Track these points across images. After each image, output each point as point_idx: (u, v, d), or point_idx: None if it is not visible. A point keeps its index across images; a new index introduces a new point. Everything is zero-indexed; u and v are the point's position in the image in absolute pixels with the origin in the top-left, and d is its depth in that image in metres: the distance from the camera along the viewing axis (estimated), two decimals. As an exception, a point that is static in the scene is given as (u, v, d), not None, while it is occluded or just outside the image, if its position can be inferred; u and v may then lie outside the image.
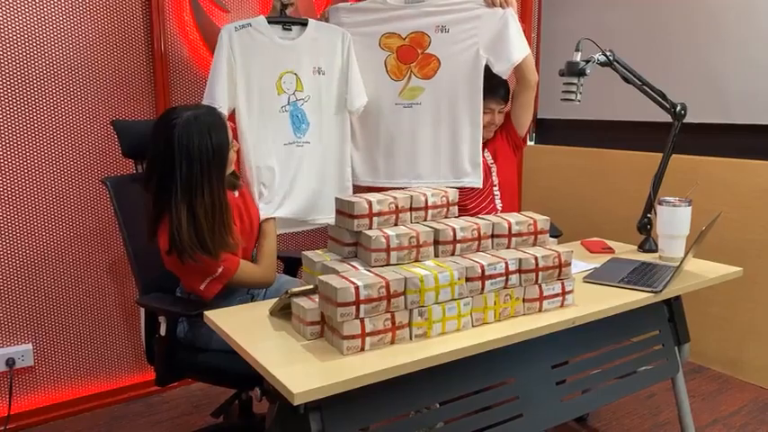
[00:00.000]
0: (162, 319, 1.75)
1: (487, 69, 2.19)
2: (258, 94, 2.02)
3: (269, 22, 2.04)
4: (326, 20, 2.25)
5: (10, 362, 2.24)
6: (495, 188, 2.37)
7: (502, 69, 2.16)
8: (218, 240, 1.64)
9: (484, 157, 2.34)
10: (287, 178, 2.08)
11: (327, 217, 2.16)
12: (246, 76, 2.00)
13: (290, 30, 2.07)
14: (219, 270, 1.69)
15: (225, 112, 1.96)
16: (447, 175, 2.25)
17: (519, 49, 2.14)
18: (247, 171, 2.01)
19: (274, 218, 2.00)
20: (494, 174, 2.37)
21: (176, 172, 1.60)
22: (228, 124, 1.73)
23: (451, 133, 2.22)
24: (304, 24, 2.10)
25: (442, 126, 2.22)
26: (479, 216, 1.61)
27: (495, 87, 2.27)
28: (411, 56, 2.19)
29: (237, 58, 1.99)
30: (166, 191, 1.63)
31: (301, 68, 2.08)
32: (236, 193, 1.91)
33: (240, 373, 1.70)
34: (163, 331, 1.74)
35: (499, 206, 2.37)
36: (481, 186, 2.27)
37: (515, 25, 2.14)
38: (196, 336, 1.81)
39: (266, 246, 1.91)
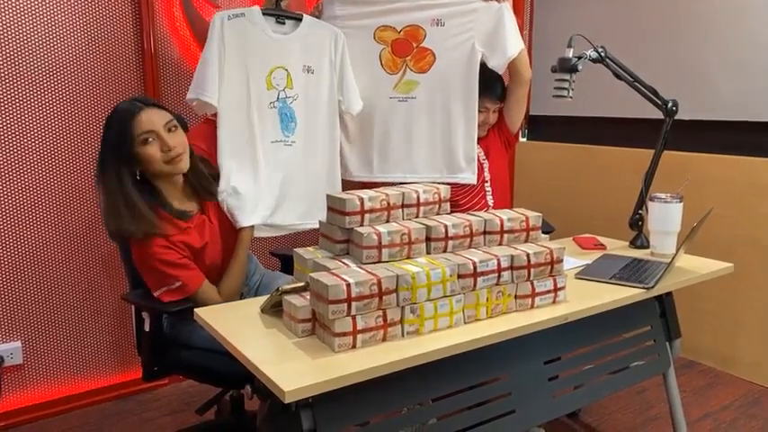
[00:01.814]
0: (145, 314, 1.75)
1: (483, 67, 2.18)
2: (247, 86, 1.94)
3: (263, 14, 1.99)
4: (320, 12, 2.20)
5: (-1, 360, 2.22)
6: (486, 184, 2.37)
7: (497, 64, 2.15)
8: (112, 232, 1.67)
9: (477, 154, 2.34)
10: (273, 180, 1.98)
11: (309, 223, 2.07)
12: (235, 67, 1.93)
13: (284, 23, 2.01)
14: (177, 284, 1.69)
15: (214, 102, 1.90)
16: (442, 170, 2.23)
17: (514, 43, 2.13)
18: (222, 170, 1.89)
19: (252, 226, 1.90)
20: (486, 170, 2.37)
21: (99, 160, 1.69)
22: (145, 120, 1.65)
23: (446, 128, 2.21)
24: (298, 19, 2.04)
25: (437, 121, 2.20)
26: (471, 213, 1.60)
27: (491, 87, 2.27)
28: (406, 49, 2.17)
29: (227, 47, 1.92)
30: (97, 177, 1.72)
31: (292, 65, 2.02)
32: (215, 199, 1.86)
33: (219, 372, 1.73)
34: (147, 327, 1.74)
35: (491, 202, 2.37)
36: (475, 182, 2.26)
37: (511, 19, 2.13)
38: (178, 332, 1.80)
39: (234, 264, 1.85)
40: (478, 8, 2.13)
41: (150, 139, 1.65)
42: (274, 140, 2.00)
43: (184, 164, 1.73)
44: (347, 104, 2.14)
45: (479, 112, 2.25)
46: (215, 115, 1.95)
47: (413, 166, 2.23)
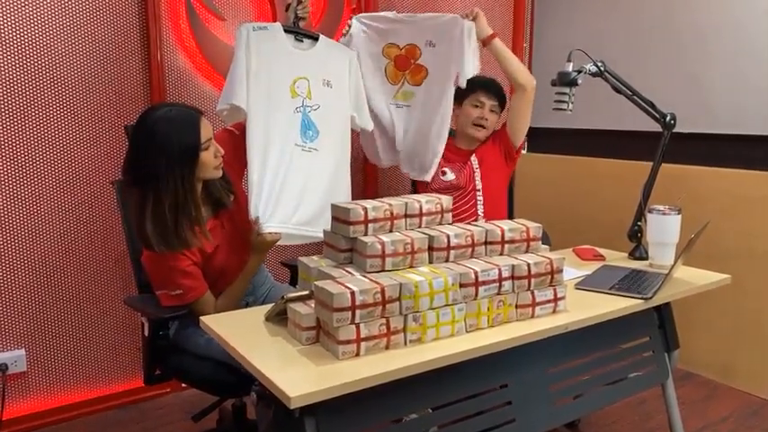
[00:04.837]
0: (144, 319, 1.78)
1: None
2: (272, 93, 2.01)
3: (284, 31, 2.09)
4: (349, 27, 2.42)
5: (3, 367, 2.23)
6: (478, 193, 2.41)
7: (461, 83, 2.31)
8: (178, 237, 1.67)
9: (470, 161, 2.41)
10: (291, 181, 2.03)
11: (317, 231, 2.06)
12: (261, 75, 2.00)
13: (302, 41, 2.12)
14: (177, 291, 1.72)
15: (243, 105, 1.95)
16: (414, 168, 2.47)
17: (472, 66, 2.28)
18: (251, 172, 1.95)
19: (271, 239, 1.90)
20: (477, 178, 2.40)
21: (142, 165, 1.66)
22: (205, 127, 1.71)
23: (423, 133, 2.41)
24: (315, 39, 2.15)
25: (419, 126, 2.42)
26: (472, 223, 1.63)
27: (487, 84, 2.41)
28: (405, 64, 2.45)
29: (253, 55, 1.99)
30: (137, 182, 1.69)
31: (312, 77, 2.11)
32: (229, 204, 1.87)
33: (208, 380, 1.77)
34: (146, 331, 1.78)
35: (481, 211, 2.40)
36: (428, 180, 2.42)
37: (470, 41, 2.29)
38: (178, 337, 1.83)
39: (238, 283, 1.86)
40: (457, 29, 2.29)
41: (210, 145, 1.72)
42: (296, 144, 2.07)
43: (221, 168, 1.79)
44: (362, 122, 2.29)
45: (474, 107, 2.41)
46: (234, 125, 2.02)
47: (399, 161, 2.52)
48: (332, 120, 2.15)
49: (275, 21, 2.58)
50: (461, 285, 1.40)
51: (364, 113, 2.29)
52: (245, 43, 1.99)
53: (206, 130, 1.71)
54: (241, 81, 1.96)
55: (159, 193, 1.65)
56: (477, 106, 2.39)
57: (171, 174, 1.64)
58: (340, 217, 1.50)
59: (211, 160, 1.73)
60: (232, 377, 1.67)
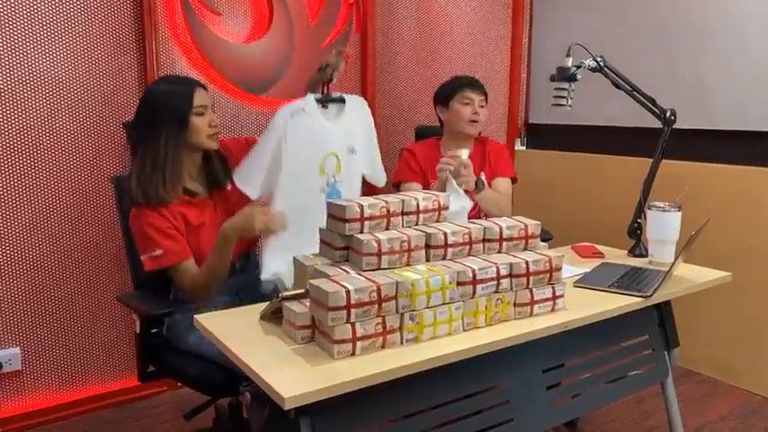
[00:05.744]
0: (135, 315, 1.78)
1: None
2: (301, 175, 1.96)
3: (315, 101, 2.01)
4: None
5: (-3, 366, 2.22)
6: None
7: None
8: (155, 189, 1.74)
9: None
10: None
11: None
12: (293, 158, 1.94)
13: (327, 108, 2.02)
14: (158, 251, 1.74)
15: (253, 196, 1.92)
16: None
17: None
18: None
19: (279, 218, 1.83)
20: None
21: (139, 126, 1.82)
22: (200, 94, 1.81)
23: None
24: (342, 101, 2.05)
25: None
26: (470, 220, 1.61)
27: (472, 81, 2.41)
28: None
29: (290, 144, 1.92)
30: (135, 141, 1.86)
31: (340, 149, 2.05)
32: (228, 186, 1.93)
33: (197, 379, 1.77)
34: (137, 329, 1.78)
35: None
36: None
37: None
38: (170, 334, 1.83)
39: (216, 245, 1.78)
40: None
41: (203, 113, 1.81)
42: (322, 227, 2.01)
43: (218, 142, 1.88)
44: (376, 180, 2.21)
45: (465, 104, 2.36)
46: (249, 138, 2.07)
47: None
48: (353, 183, 2.12)
49: (270, 23, 2.55)
50: (459, 283, 1.38)
51: (379, 171, 2.20)
52: (282, 132, 1.92)
53: (200, 97, 1.81)
54: (260, 171, 1.91)
55: (148, 148, 1.76)
56: (467, 104, 2.36)
57: (159, 130, 1.75)
58: (336, 214, 1.48)
59: (204, 128, 1.80)
60: (221, 376, 1.66)
